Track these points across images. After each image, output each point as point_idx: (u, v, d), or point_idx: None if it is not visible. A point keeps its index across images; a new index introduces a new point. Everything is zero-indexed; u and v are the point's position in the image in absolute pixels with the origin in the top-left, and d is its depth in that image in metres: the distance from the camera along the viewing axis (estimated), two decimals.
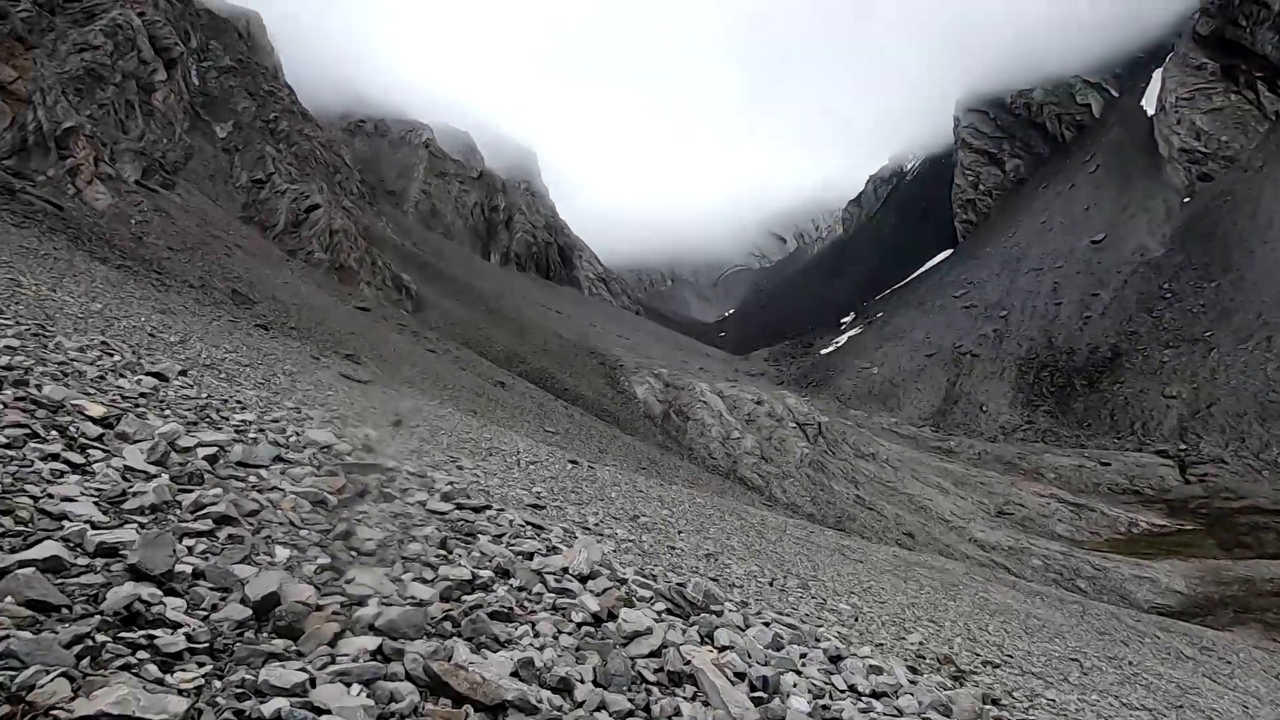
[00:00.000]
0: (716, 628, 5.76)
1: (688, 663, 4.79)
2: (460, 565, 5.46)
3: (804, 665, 5.72)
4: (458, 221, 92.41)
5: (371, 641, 3.58)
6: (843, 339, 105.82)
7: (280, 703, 2.75)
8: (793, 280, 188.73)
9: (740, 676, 4.93)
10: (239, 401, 10.98)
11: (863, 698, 5.47)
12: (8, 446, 4.68)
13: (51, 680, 2.37)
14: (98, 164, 34.95)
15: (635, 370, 59.63)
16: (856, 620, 14.29)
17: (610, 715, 3.80)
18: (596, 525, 15.38)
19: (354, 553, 5.10)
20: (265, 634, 3.44)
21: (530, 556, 6.33)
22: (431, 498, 7.36)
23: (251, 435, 7.61)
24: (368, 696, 3.03)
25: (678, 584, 6.78)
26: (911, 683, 6.26)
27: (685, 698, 4.38)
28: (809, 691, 5.12)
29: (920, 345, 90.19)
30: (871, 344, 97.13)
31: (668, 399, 55.47)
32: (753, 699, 4.57)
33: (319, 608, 3.85)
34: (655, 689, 4.43)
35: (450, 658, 3.60)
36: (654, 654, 4.91)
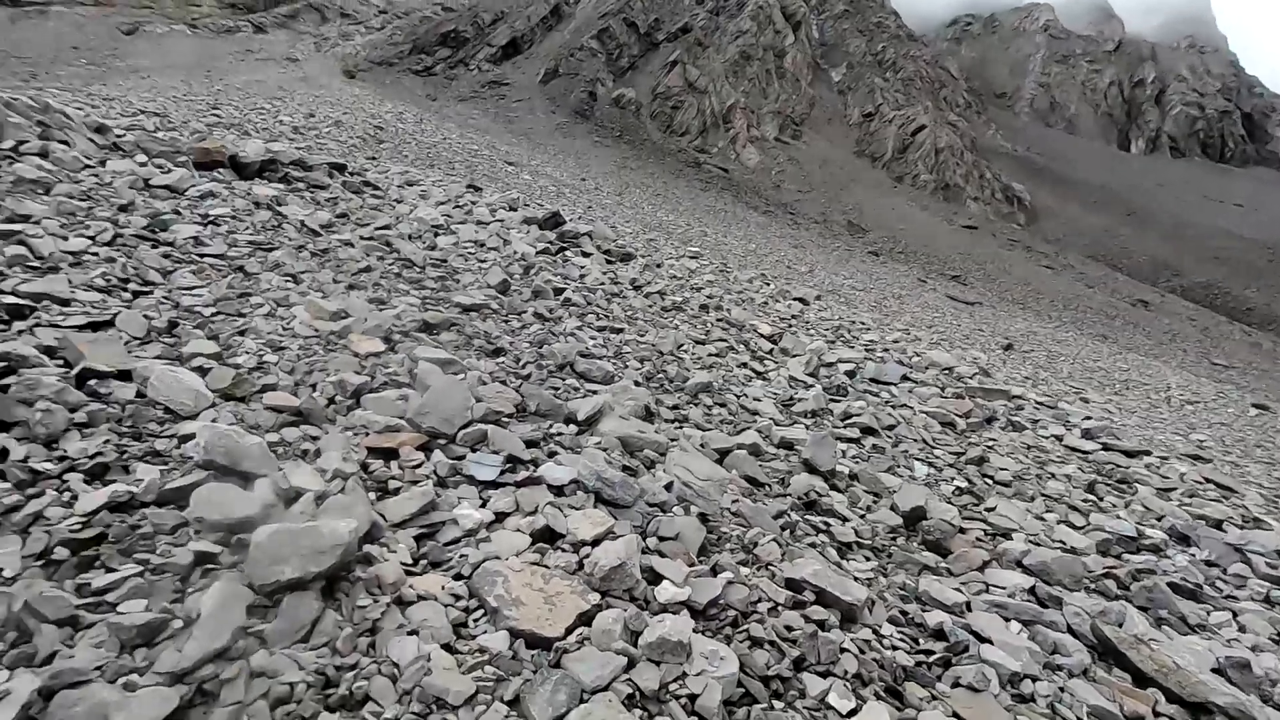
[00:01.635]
0: None
1: None
2: (1119, 517, 4.64)
3: None
4: (1084, 110, 77.74)
5: (1023, 579, 3.36)
6: None
7: (941, 616, 2.83)
8: None
9: None
10: (862, 323, 12.00)
11: None
12: (718, 355, 6.22)
13: (767, 542, 3.01)
14: (749, 129, 42.98)
15: None
16: None
17: None
18: None
19: (989, 480, 4.91)
20: (916, 544, 3.63)
21: (1219, 525, 4.91)
22: (1069, 433, 6.50)
23: (879, 354, 8.17)
24: (1029, 638, 2.85)
25: None
26: None
27: None
28: None
29: None
30: None
31: None
32: None
33: (962, 530, 3.84)
34: None
35: (1121, 624, 3.08)
36: None
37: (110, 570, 2.12)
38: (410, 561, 2.46)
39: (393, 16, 46.59)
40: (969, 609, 2.99)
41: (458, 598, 2.32)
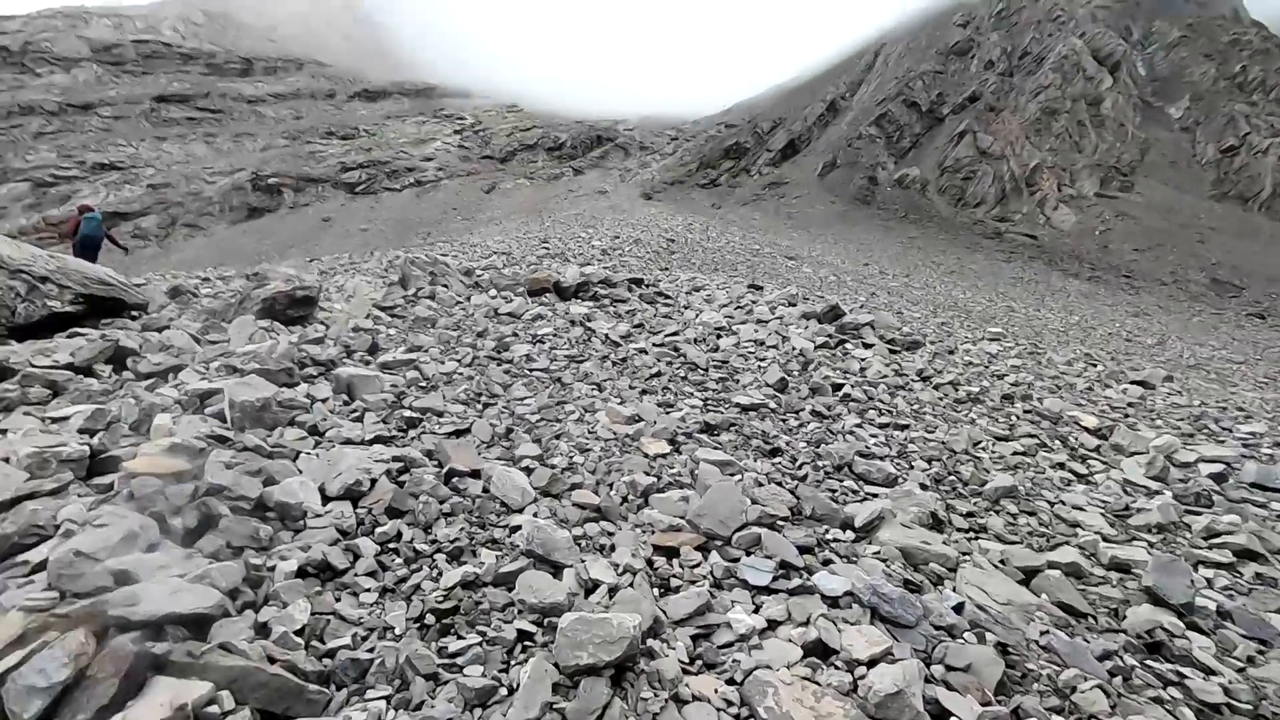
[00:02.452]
0: None
1: None
2: None
3: None
4: None
5: None
6: None
7: None
8: None
9: None
10: (1239, 408, 9.48)
11: None
12: (1024, 454, 5.49)
13: (1090, 688, 2.54)
14: (1059, 189, 38.15)
15: None
16: None
17: None
18: None
19: None
20: None
21: None
22: None
23: (1265, 451, 6.38)
24: None
25: None
26: None
27: None
28: None
29: None
30: None
31: None
32: None
33: None
34: None
35: None
36: None
37: (460, 638, 2.66)
38: (687, 660, 2.61)
39: (682, 141, 52.38)
40: None
41: (729, 703, 2.39)
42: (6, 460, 3.34)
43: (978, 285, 26.19)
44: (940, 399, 6.77)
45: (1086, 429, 6.29)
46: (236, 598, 2.67)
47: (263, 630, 2.51)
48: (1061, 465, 5.42)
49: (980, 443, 5.58)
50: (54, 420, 4.12)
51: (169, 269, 25.56)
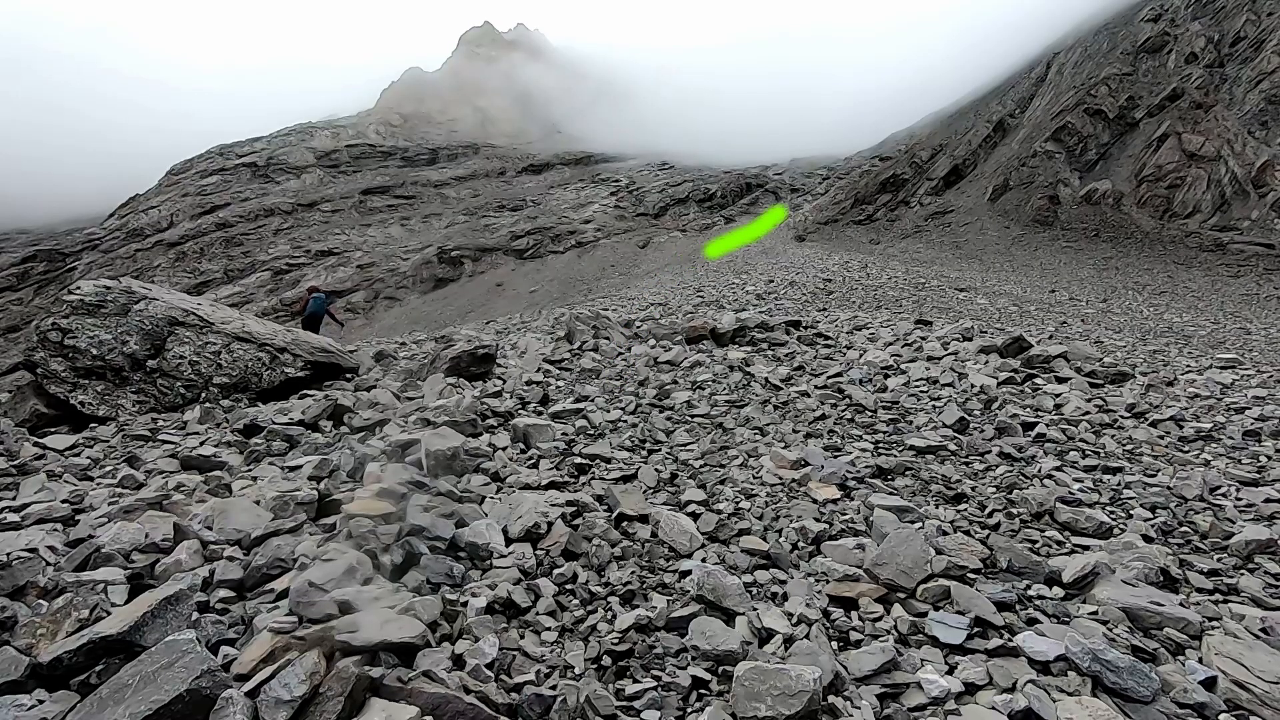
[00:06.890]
0: None
1: None
2: None
3: None
4: None
5: None
6: None
7: None
8: None
9: None
10: None
11: None
12: None
13: None
14: None
15: None
16: None
17: None
18: None
19: None
20: None
21: None
22: None
23: None
24: None
25: None
26: None
27: None
28: None
29: None
30: None
31: None
32: None
33: None
34: None
35: None
36: None
37: (636, 681, 2.68)
38: None
39: (834, 179, 51.34)
40: None
41: None
42: (257, 503, 3.95)
43: (1197, 306, 22.66)
44: (1160, 438, 5.88)
45: None
46: (435, 630, 2.90)
47: (459, 662, 2.70)
48: None
49: (1219, 488, 4.74)
50: (290, 469, 4.82)
51: (373, 336, 29.17)
